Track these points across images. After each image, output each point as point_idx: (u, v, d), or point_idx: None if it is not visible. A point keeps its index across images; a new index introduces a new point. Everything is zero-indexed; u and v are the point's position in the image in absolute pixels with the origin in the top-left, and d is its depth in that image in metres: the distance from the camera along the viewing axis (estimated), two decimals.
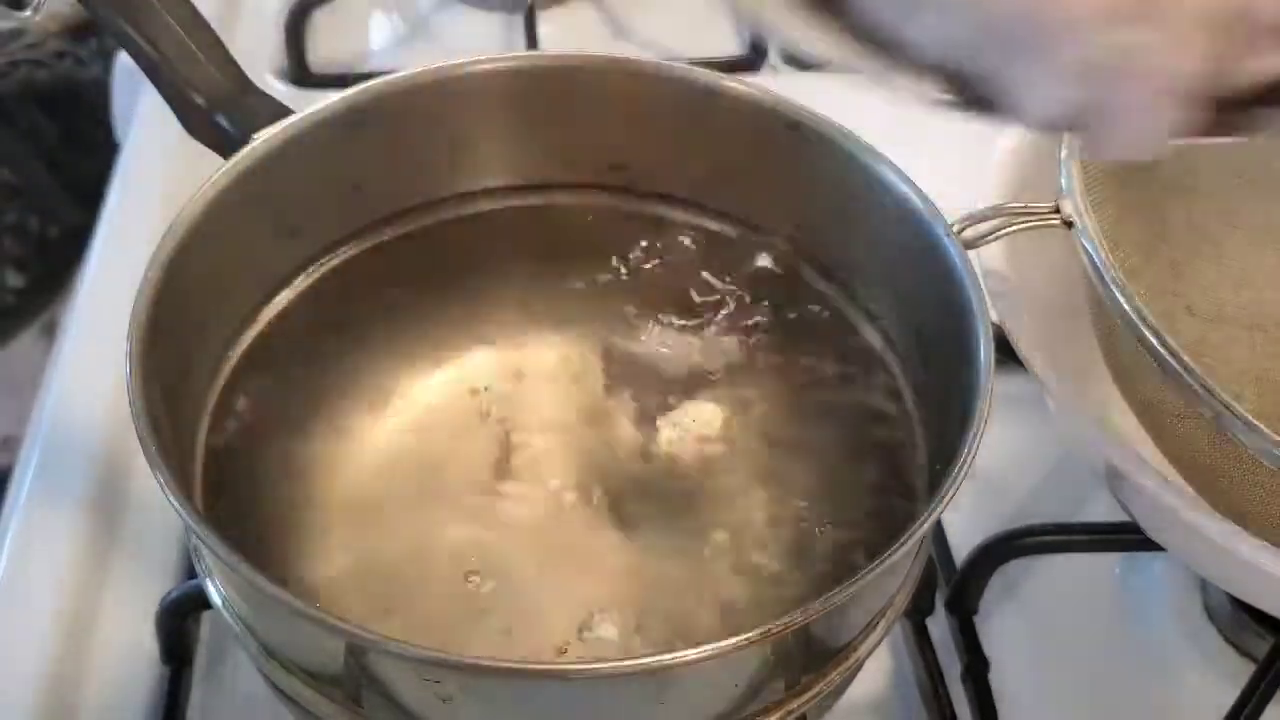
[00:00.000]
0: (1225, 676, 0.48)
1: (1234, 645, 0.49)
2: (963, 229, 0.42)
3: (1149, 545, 0.45)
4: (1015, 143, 0.48)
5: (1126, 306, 0.40)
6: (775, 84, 0.47)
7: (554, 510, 0.41)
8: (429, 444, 0.42)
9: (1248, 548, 0.37)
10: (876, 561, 0.34)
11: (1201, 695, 0.48)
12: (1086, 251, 0.41)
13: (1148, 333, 0.39)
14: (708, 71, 0.46)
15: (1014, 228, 0.42)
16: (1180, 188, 0.49)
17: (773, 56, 0.73)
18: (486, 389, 0.44)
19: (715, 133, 0.46)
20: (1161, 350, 0.39)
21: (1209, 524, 0.38)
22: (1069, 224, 0.42)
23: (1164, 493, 0.39)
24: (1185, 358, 0.38)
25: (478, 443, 0.42)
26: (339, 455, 0.42)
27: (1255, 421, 0.37)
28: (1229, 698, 0.45)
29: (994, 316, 0.40)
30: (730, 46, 0.74)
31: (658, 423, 0.43)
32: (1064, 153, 0.43)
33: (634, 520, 0.40)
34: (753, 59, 0.72)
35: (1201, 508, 0.39)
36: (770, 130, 0.45)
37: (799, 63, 0.72)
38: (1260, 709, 0.44)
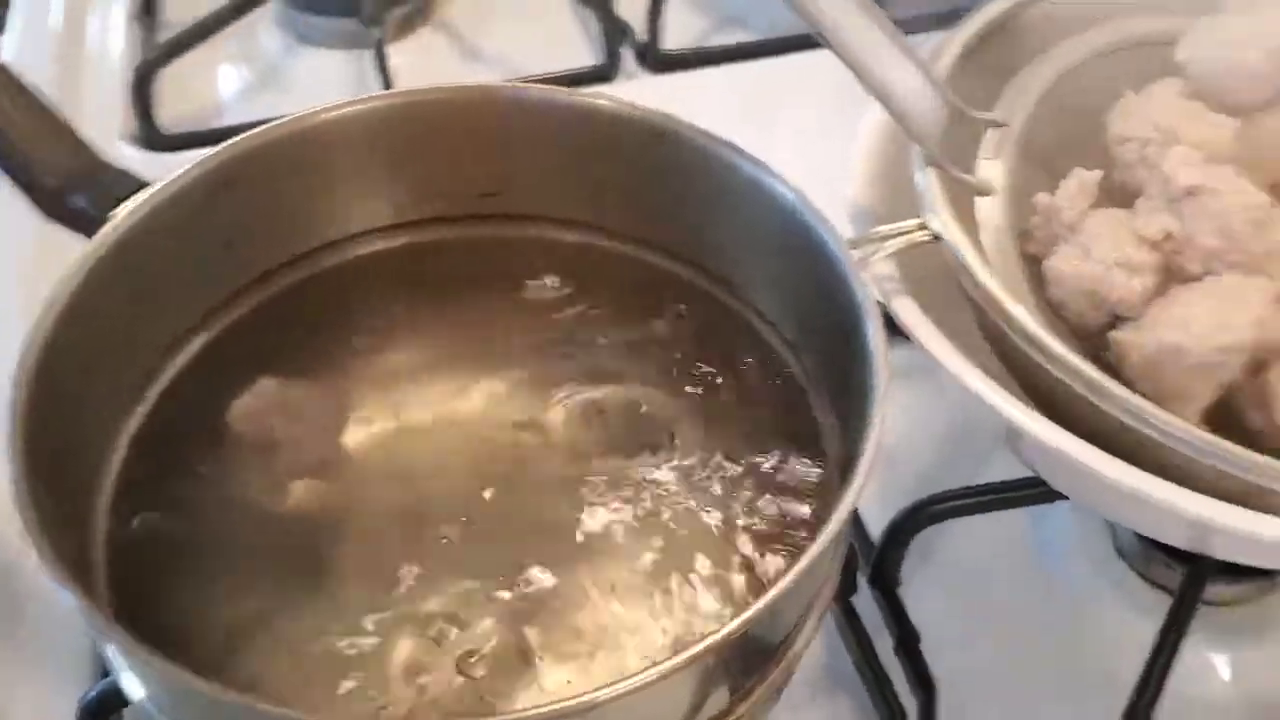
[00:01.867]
0: (1143, 609, 0.49)
1: (1147, 579, 0.50)
2: None
3: (1053, 496, 0.47)
4: (875, 125, 0.49)
5: (1006, 312, 0.41)
6: (632, 89, 0.47)
7: (484, 546, 0.40)
8: (338, 503, 0.41)
9: (1147, 486, 0.39)
10: (801, 560, 0.34)
11: (1123, 629, 0.49)
12: (959, 260, 0.43)
13: (1031, 343, 0.41)
14: (568, 90, 0.46)
15: (887, 250, 0.43)
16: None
17: (627, 63, 0.73)
18: (395, 431, 0.43)
19: (583, 149, 0.46)
20: (1054, 357, 0.40)
21: (1107, 468, 0.39)
22: (937, 237, 0.43)
23: (1063, 444, 0.40)
24: (1072, 359, 0.40)
25: (393, 495, 0.42)
26: (244, 527, 0.41)
27: (1161, 415, 0.39)
28: (1150, 628, 0.46)
29: (878, 296, 0.41)
30: (583, 58, 0.74)
31: (566, 436, 0.43)
32: (917, 167, 0.44)
33: (546, 534, 0.40)
34: (607, 68, 0.72)
35: (1098, 453, 0.40)
36: (637, 142, 0.45)
37: (653, 66, 0.73)
38: (1181, 635, 0.46)
